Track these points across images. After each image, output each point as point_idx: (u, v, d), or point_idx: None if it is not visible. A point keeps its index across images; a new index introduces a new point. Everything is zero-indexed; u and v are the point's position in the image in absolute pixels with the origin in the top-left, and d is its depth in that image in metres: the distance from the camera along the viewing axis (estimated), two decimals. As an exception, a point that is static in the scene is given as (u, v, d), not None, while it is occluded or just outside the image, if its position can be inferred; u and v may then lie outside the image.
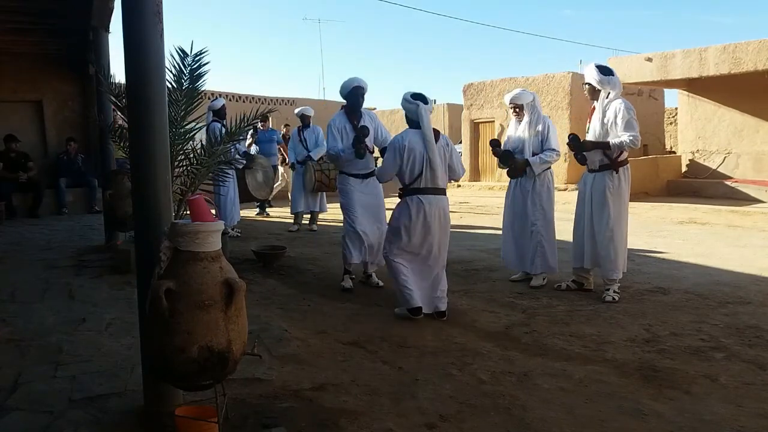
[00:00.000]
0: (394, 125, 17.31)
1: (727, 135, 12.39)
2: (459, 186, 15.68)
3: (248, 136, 9.59)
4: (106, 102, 6.36)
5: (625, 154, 4.69)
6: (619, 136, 4.51)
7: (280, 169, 10.90)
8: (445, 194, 4.28)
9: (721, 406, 2.80)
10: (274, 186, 9.81)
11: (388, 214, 4.69)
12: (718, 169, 12.55)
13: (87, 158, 10.22)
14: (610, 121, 4.55)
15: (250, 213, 10.02)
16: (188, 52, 4.65)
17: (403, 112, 4.30)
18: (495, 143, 5.27)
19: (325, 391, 2.95)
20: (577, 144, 4.69)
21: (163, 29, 2.45)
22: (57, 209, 9.70)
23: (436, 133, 4.21)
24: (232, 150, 6.07)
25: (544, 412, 2.75)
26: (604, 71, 4.62)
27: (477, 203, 11.99)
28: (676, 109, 14.89)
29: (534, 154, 5.03)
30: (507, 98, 5.17)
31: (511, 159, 5.08)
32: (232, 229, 7.70)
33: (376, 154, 5.23)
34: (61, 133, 10.27)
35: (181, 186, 4.77)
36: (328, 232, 8.18)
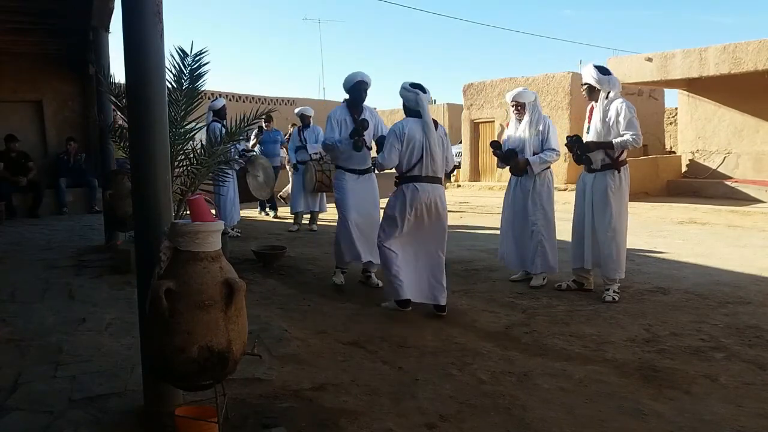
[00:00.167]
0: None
1: (727, 135, 12.39)
2: (459, 186, 15.68)
3: (252, 137, 9.59)
4: (106, 102, 6.36)
5: (625, 154, 4.70)
6: (621, 135, 4.53)
7: (289, 168, 10.86)
8: (441, 183, 4.28)
9: (721, 406, 2.80)
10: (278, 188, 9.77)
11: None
12: (718, 169, 12.54)
13: (87, 158, 10.22)
14: (612, 120, 4.56)
15: (254, 213, 10.01)
16: (188, 52, 4.65)
17: (402, 106, 4.29)
18: (495, 145, 5.27)
19: (325, 391, 2.95)
20: (580, 145, 4.68)
21: (163, 29, 2.45)
22: (57, 209, 9.69)
23: (435, 122, 4.22)
24: (232, 150, 6.07)
25: (544, 412, 2.75)
26: (603, 71, 4.64)
27: (477, 203, 11.99)
28: (676, 109, 14.89)
29: (534, 154, 5.03)
30: (509, 96, 5.17)
31: (513, 159, 5.09)
32: (232, 229, 7.70)
33: (374, 153, 5.21)
34: (61, 133, 10.27)
35: (181, 186, 4.77)
36: (328, 232, 8.17)
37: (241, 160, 7.13)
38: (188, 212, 2.34)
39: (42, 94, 10.24)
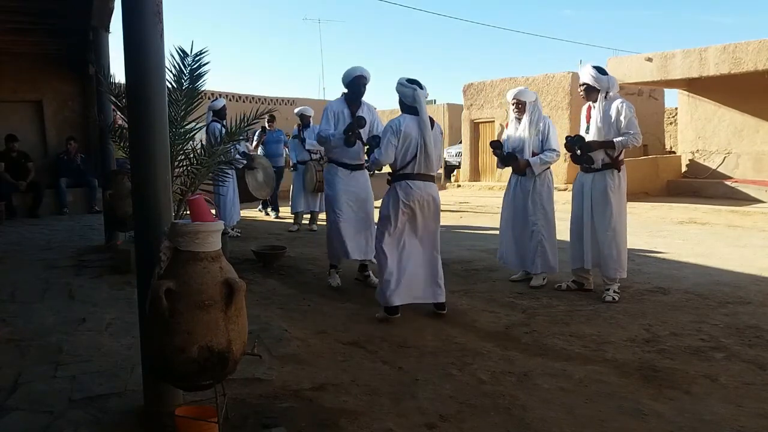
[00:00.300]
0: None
1: (727, 135, 12.39)
2: (459, 186, 15.68)
3: (255, 137, 9.62)
4: (106, 102, 6.36)
5: (623, 153, 4.72)
6: (622, 134, 4.56)
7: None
8: (434, 181, 4.26)
9: (721, 406, 2.80)
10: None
11: (376, 213, 4.65)
12: (718, 169, 12.54)
13: (87, 158, 10.22)
14: (613, 119, 4.59)
15: (255, 213, 10.02)
16: (188, 52, 4.65)
17: (398, 102, 4.25)
18: (496, 145, 5.27)
19: (325, 391, 2.95)
20: (583, 144, 4.68)
21: (163, 29, 2.45)
22: (57, 209, 9.69)
23: (431, 120, 4.19)
24: (232, 150, 6.06)
25: (544, 412, 2.75)
26: (601, 71, 4.68)
27: (477, 203, 11.99)
28: (676, 109, 14.89)
29: (534, 154, 5.03)
30: (510, 94, 5.17)
31: (513, 161, 5.09)
32: (232, 229, 7.70)
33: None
34: (61, 133, 10.26)
35: (181, 186, 4.77)
36: (328, 232, 8.17)
37: (242, 160, 7.12)
38: (188, 212, 2.34)
39: (42, 94, 10.24)
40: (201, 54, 4.69)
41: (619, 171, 4.67)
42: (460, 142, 16.35)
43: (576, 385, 3.05)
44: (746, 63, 10.48)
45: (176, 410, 2.44)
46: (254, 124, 5.12)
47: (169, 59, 4.54)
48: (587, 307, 4.46)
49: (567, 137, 4.85)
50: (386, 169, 4.38)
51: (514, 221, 5.23)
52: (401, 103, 4.22)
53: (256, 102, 14.42)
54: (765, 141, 11.90)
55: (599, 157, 4.69)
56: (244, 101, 14.75)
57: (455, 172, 16.72)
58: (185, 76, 4.71)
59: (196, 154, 4.88)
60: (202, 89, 4.89)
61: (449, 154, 18.07)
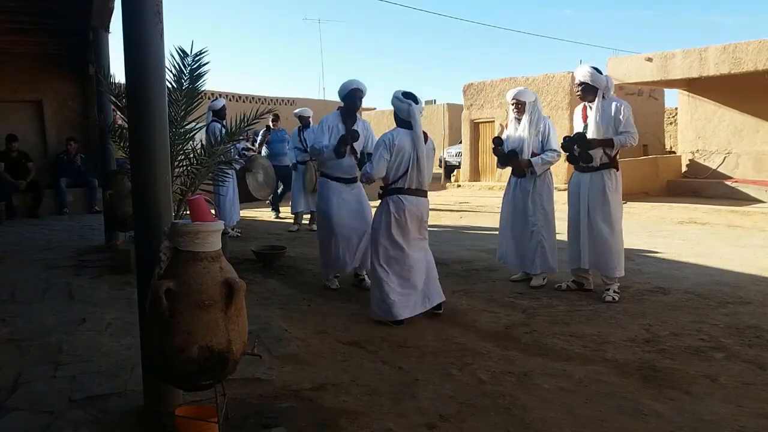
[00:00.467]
0: (393, 126, 17.27)
1: (727, 135, 12.39)
2: (459, 186, 15.68)
3: (260, 135, 9.65)
4: (106, 102, 6.36)
5: (619, 152, 4.76)
6: (620, 133, 4.60)
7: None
8: (426, 196, 4.26)
9: (721, 406, 2.80)
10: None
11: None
12: (718, 169, 12.54)
13: (87, 158, 10.22)
14: (611, 118, 4.62)
15: (255, 213, 10.01)
16: (188, 52, 4.65)
17: (393, 115, 4.26)
18: (497, 141, 5.26)
19: (325, 391, 2.95)
20: (584, 141, 4.68)
21: (163, 29, 2.45)
22: (57, 209, 9.70)
23: (425, 135, 4.19)
24: (232, 150, 6.06)
25: (544, 412, 2.75)
26: (597, 71, 4.70)
27: (477, 203, 11.98)
28: (676, 109, 14.89)
29: (534, 155, 5.03)
30: (510, 94, 5.17)
31: (514, 159, 5.08)
32: (232, 229, 7.70)
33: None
34: (61, 133, 10.27)
35: (181, 186, 4.77)
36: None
37: (241, 160, 7.12)
38: (188, 212, 2.34)
39: (42, 94, 10.24)
40: (201, 54, 4.69)
41: (618, 170, 4.70)
42: (460, 142, 16.35)
43: (576, 385, 3.05)
44: (746, 63, 10.48)
45: (176, 410, 2.44)
46: (254, 124, 5.13)
47: (169, 59, 4.55)
48: (587, 307, 4.46)
49: (565, 137, 4.84)
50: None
51: (513, 221, 5.22)
52: (396, 116, 4.23)
53: (256, 102, 14.44)
54: (765, 141, 11.90)
55: (598, 155, 4.70)
56: (244, 101, 14.76)
57: (455, 172, 16.72)
58: (185, 76, 4.71)
59: (196, 154, 4.89)
60: (202, 89, 4.89)
61: (449, 154, 18.07)
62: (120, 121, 5.77)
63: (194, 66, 4.70)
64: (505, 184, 5.45)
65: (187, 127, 4.84)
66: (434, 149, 4.36)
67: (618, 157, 4.75)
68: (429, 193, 4.35)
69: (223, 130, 5.89)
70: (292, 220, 8.68)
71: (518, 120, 5.15)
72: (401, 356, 3.48)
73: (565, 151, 4.86)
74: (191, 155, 4.86)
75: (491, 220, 9.03)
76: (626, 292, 4.77)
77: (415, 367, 3.31)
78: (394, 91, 4.22)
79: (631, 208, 10.23)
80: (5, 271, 5.57)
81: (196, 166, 4.80)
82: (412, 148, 4.09)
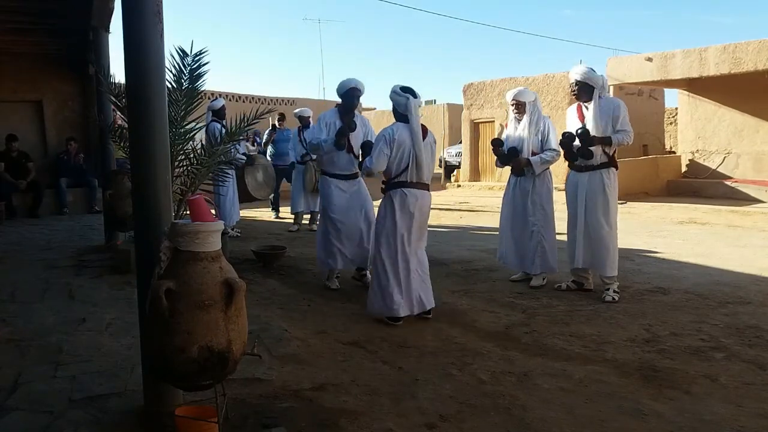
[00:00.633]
0: (394, 125, 17.26)
1: (727, 135, 12.39)
2: (459, 186, 15.68)
3: (266, 134, 9.74)
4: (106, 102, 6.36)
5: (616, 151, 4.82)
6: (617, 131, 4.65)
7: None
8: (428, 189, 4.27)
9: (721, 406, 2.80)
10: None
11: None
12: (718, 169, 12.54)
13: (87, 158, 10.22)
14: (610, 117, 4.65)
15: (255, 213, 10.01)
16: (188, 52, 4.65)
17: (392, 109, 4.27)
18: (497, 143, 5.26)
19: (325, 391, 2.95)
20: (586, 137, 4.67)
21: (163, 29, 2.45)
22: (57, 209, 9.69)
23: (424, 129, 4.20)
24: (232, 150, 6.06)
25: (544, 412, 2.75)
26: (593, 70, 4.73)
27: (477, 203, 11.98)
28: (676, 109, 14.88)
29: (534, 154, 5.03)
30: (509, 95, 5.17)
31: (514, 158, 5.08)
32: (232, 229, 7.70)
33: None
34: (61, 133, 10.27)
35: (181, 186, 4.77)
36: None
37: (242, 159, 7.12)
38: (188, 212, 2.34)
39: (42, 94, 10.24)
40: (201, 54, 4.69)
41: (617, 169, 4.74)
42: (460, 142, 16.34)
43: (576, 385, 3.05)
44: (746, 63, 10.48)
45: (176, 410, 2.44)
46: (254, 124, 5.13)
47: (169, 59, 4.55)
48: (587, 307, 4.46)
49: (564, 133, 4.82)
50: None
51: (513, 221, 5.22)
52: (395, 110, 4.24)
53: (256, 102, 14.42)
54: (765, 141, 11.89)
55: (597, 154, 4.71)
56: (244, 101, 14.75)
57: (455, 172, 16.72)
58: (185, 76, 4.71)
59: (196, 154, 4.89)
60: (202, 89, 4.90)
61: (449, 154, 18.06)
62: (120, 121, 5.78)
63: (194, 66, 4.71)
64: (505, 184, 5.45)
65: (187, 127, 4.85)
66: (435, 142, 4.37)
67: (616, 156, 4.78)
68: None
69: (223, 130, 5.89)
70: (292, 220, 8.68)
71: (518, 120, 5.15)
72: (401, 356, 3.48)
73: (563, 147, 4.86)
74: (191, 155, 4.86)
75: (491, 220, 9.03)
76: (626, 292, 4.77)
77: (415, 367, 3.31)
78: (393, 86, 4.24)
79: (631, 208, 10.24)
80: (5, 271, 5.57)
81: (196, 166, 4.80)
82: (411, 143, 4.10)
